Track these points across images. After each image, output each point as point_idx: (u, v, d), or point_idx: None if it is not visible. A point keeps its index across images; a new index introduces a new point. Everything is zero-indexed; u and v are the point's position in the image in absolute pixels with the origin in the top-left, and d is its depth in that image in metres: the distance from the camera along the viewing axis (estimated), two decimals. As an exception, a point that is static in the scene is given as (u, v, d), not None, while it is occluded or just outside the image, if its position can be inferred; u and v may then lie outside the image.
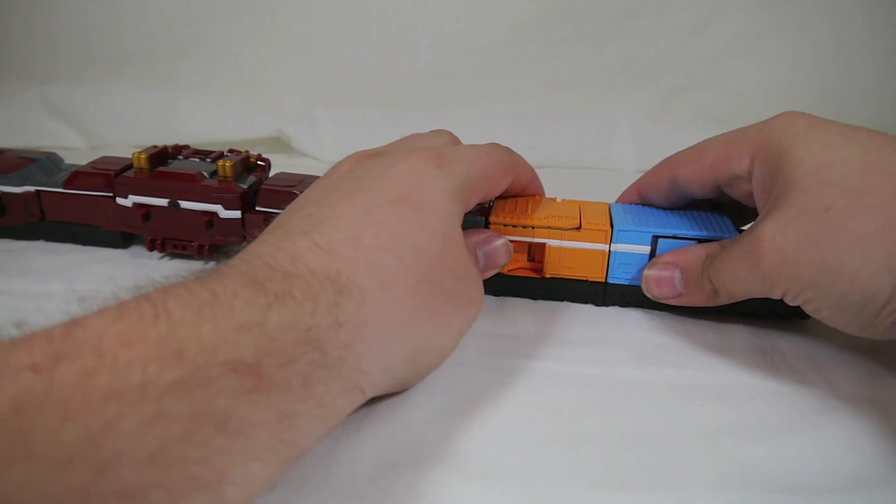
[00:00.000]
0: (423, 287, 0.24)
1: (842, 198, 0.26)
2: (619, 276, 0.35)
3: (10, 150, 0.42)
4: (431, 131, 0.32)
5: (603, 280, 0.35)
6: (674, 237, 0.33)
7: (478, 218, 0.34)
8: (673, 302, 0.33)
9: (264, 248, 0.22)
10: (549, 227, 0.34)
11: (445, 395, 0.27)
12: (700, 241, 0.33)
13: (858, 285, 0.25)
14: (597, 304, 0.36)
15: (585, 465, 0.24)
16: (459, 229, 0.27)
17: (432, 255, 0.24)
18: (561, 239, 0.34)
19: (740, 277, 0.29)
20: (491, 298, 0.36)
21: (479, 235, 0.32)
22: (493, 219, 0.34)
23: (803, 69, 0.66)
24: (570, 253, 0.34)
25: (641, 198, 0.37)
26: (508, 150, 0.32)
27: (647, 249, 0.33)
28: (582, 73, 0.66)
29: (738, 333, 0.33)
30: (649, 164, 0.61)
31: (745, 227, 0.33)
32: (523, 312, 0.35)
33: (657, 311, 0.35)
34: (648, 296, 0.33)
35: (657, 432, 0.26)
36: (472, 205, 0.29)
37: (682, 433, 0.26)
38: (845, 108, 0.67)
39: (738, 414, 0.27)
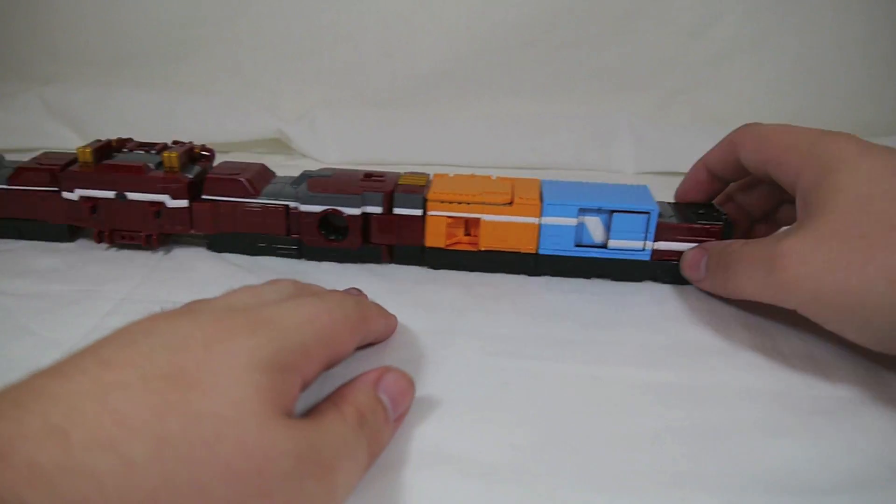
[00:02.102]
0: (164, 496, 0.17)
1: (878, 229, 0.27)
2: (549, 248, 0.37)
3: None
4: (270, 282, 0.27)
5: (534, 252, 0.37)
6: (598, 210, 0.36)
7: (415, 196, 0.36)
8: (698, 286, 0.36)
9: None
10: (483, 203, 0.36)
11: (445, 395, 0.27)
12: (620, 212, 0.36)
13: (883, 313, 0.26)
14: (529, 275, 0.38)
15: (585, 465, 0.24)
16: (268, 406, 0.19)
17: (193, 448, 0.17)
18: (495, 214, 0.36)
19: (753, 278, 0.31)
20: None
21: (370, 374, 0.25)
22: (430, 195, 0.37)
23: (803, 69, 0.66)
24: (504, 226, 0.37)
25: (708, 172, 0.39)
26: (358, 303, 0.27)
27: (574, 221, 0.36)
28: (582, 74, 0.66)
29: (738, 333, 0.33)
30: (649, 165, 0.61)
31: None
32: (523, 311, 0.35)
33: (656, 310, 0.35)
34: (683, 275, 0.37)
35: (657, 432, 0.26)
36: (308, 372, 0.22)
37: (681, 433, 0.26)
38: (845, 109, 0.67)
39: (738, 414, 0.27)
